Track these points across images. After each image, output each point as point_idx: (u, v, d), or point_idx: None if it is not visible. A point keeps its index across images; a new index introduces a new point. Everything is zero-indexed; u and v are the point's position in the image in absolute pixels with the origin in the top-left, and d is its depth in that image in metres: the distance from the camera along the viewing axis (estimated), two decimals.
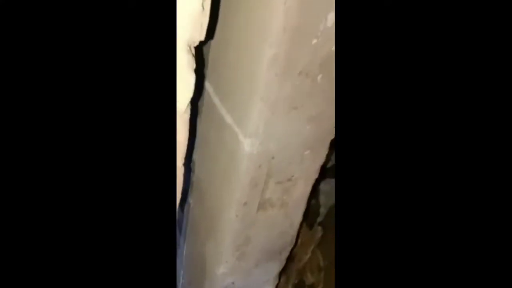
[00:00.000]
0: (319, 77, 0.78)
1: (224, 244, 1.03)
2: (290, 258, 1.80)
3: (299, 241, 1.80)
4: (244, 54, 0.80)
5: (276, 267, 1.19)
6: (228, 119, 0.93)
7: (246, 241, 1.05)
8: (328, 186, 1.66)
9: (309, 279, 1.81)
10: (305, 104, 0.83)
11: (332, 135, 0.95)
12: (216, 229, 1.07)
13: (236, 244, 1.04)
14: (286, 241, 1.13)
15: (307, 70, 0.77)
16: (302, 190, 1.04)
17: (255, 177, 0.91)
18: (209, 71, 1.05)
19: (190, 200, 1.32)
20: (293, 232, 1.13)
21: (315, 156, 0.97)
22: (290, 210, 1.06)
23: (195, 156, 1.24)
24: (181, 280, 1.57)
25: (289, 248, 1.16)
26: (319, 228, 1.73)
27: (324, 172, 1.50)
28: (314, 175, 1.03)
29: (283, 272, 1.75)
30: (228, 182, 0.96)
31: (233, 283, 1.13)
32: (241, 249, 1.06)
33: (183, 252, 1.50)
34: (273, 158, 0.91)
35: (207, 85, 1.08)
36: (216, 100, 1.00)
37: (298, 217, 1.10)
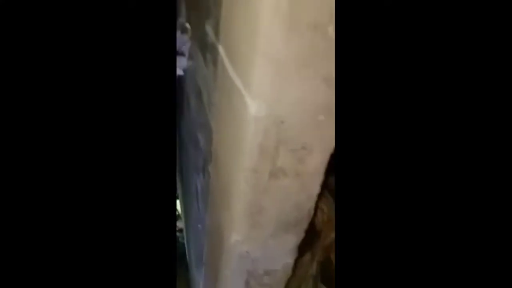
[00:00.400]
0: (330, 29, 0.70)
1: (237, 212, 1.02)
2: (315, 234, 1.75)
3: (325, 217, 1.74)
4: (247, 8, 0.74)
5: (293, 240, 1.16)
6: (237, 81, 0.88)
7: (259, 210, 1.02)
8: None
9: None
10: (317, 61, 0.75)
11: None
12: (229, 197, 1.06)
13: (248, 213, 1.02)
14: (303, 213, 1.08)
15: (316, 22, 0.69)
16: (318, 160, 0.97)
17: (263, 143, 0.87)
18: (221, 34, 1.01)
19: (209, 169, 1.32)
20: (310, 204, 1.07)
21: (332, 122, 0.89)
22: (306, 180, 1.00)
23: (213, 124, 1.23)
24: (205, 249, 1.62)
25: (306, 221, 1.11)
26: None
27: None
28: (332, 143, 0.95)
29: (307, 247, 1.72)
30: (238, 149, 0.93)
31: (247, 252, 1.12)
32: (254, 218, 1.03)
33: (206, 222, 1.53)
34: (282, 122, 0.85)
35: (220, 48, 1.04)
36: (227, 62, 0.96)
37: (315, 189, 1.04)
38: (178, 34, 1.85)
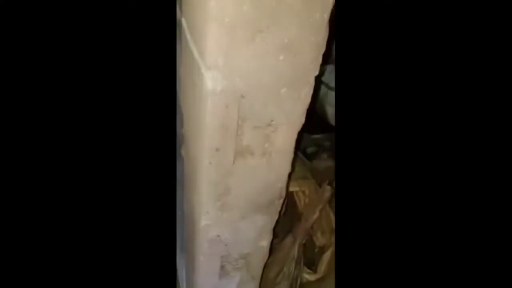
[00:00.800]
0: None
1: (203, 194, 0.97)
2: (296, 217, 1.72)
3: (306, 199, 1.70)
4: None
5: (266, 221, 1.12)
6: (195, 52, 0.82)
7: (226, 191, 0.98)
8: (329, 143, 1.52)
9: (320, 240, 1.73)
10: (272, 26, 0.69)
11: (314, 71, 0.81)
12: (196, 180, 1.01)
13: (215, 194, 0.97)
14: (274, 193, 1.04)
15: None
16: (286, 138, 0.93)
17: (224, 119, 0.82)
18: (183, 6, 0.94)
19: (182, 152, 1.28)
20: (281, 184, 1.03)
21: (296, 96, 0.84)
22: (274, 159, 0.96)
23: (182, 105, 1.17)
24: (184, 236, 1.58)
25: (278, 202, 1.07)
26: (328, 187, 1.61)
27: (319, 123, 1.34)
28: (299, 120, 0.91)
29: (288, 230, 1.69)
30: (200, 127, 0.88)
31: (218, 236, 1.08)
32: (221, 199, 0.99)
33: (183, 208, 1.49)
34: (243, 97, 0.80)
35: (183, 22, 0.97)
36: (187, 34, 0.90)
37: (284, 168, 1.00)
38: None
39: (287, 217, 1.65)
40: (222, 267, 1.24)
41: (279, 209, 1.12)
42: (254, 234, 1.14)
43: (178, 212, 1.81)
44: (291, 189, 1.59)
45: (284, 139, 0.93)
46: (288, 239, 1.63)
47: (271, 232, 1.20)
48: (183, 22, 0.97)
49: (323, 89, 2.04)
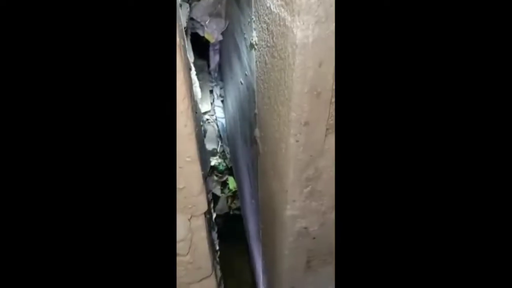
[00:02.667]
0: None
1: (288, 179, 0.82)
2: None
3: None
4: None
5: None
6: (276, 3, 0.66)
7: (316, 175, 0.81)
8: None
9: None
10: None
11: None
12: (277, 161, 0.86)
13: (302, 179, 0.81)
14: None
15: None
16: None
17: (315, 83, 0.65)
18: None
19: (256, 134, 1.14)
20: None
21: None
22: None
23: (254, 83, 1.03)
24: (260, 226, 1.47)
25: None
26: None
27: None
28: None
29: None
30: (283, 95, 0.72)
31: (306, 228, 0.93)
32: (310, 184, 0.83)
33: (258, 196, 1.37)
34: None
35: None
36: None
37: None
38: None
39: None
40: (308, 262, 1.09)
41: None
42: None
43: (251, 201, 1.71)
44: None
45: None
46: None
47: None
48: None
49: None
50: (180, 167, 0.54)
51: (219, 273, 1.11)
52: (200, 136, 0.97)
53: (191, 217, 0.62)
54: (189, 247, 0.66)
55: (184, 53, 0.56)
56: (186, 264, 0.70)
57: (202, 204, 0.63)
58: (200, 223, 0.65)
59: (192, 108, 0.54)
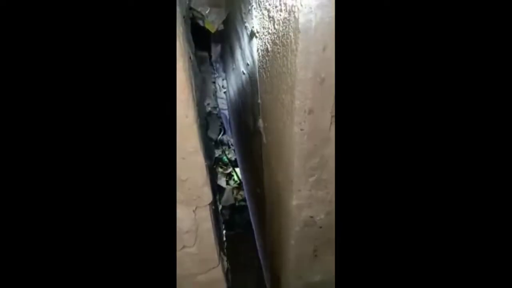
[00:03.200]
0: None
1: (293, 168, 0.81)
2: None
3: None
4: None
5: None
6: None
7: (321, 164, 0.80)
8: None
9: None
10: None
11: None
12: (282, 150, 0.85)
13: (308, 168, 0.80)
14: None
15: None
16: None
17: (319, 68, 0.63)
18: None
19: (259, 124, 1.13)
20: None
21: None
22: None
23: (257, 72, 1.01)
24: (266, 216, 1.47)
25: None
26: None
27: None
28: None
29: None
30: (286, 82, 0.71)
31: (312, 217, 0.92)
32: (316, 174, 0.82)
33: (263, 185, 1.37)
34: None
35: None
36: None
37: None
38: None
39: None
40: (315, 251, 1.08)
41: None
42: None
43: (257, 191, 1.71)
44: None
45: None
46: None
47: None
48: None
49: None
50: (182, 158, 0.53)
51: (226, 264, 1.11)
52: (203, 127, 0.96)
53: (196, 208, 0.62)
54: (195, 239, 0.66)
55: (183, 41, 0.54)
56: (192, 256, 0.70)
57: (206, 195, 0.62)
58: (205, 214, 0.65)
59: (193, 98, 0.52)
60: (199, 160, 0.55)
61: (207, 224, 0.67)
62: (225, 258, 1.12)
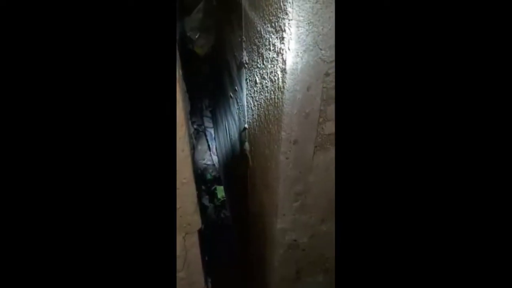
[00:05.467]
0: None
1: (279, 194, 0.85)
2: None
3: None
4: None
5: None
6: (267, 30, 0.70)
7: (305, 190, 0.84)
8: None
9: None
10: None
11: None
12: (268, 176, 0.89)
13: (292, 193, 0.84)
14: None
15: None
16: None
17: (304, 105, 0.68)
18: None
19: (245, 147, 1.17)
20: None
21: None
22: None
23: (245, 99, 1.06)
24: (251, 238, 1.49)
25: None
26: None
27: None
28: None
29: None
30: (273, 117, 0.76)
31: (295, 240, 0.95)
32: (300, 199, 0.86)
33: (248, 208, 1.39)
34: (327, 74, 0.65)
35: (243, 1, 0.86)
36: (252, 13, 0.78)
37: None
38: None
39: None
40: (297, 272, 1.11)
41: None
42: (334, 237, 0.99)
43: (241, 212, 1.73)
44: None
45: None
46: None
47: None
48: (244, 2, 0.85)
49: None
50: (177, 189, 0.56)
51: (210, 286, 1.12)
52: (193, 155, 0.99)
53: (185, 235, 0.64)
54: (184, 264, 0.68)
55: (182, 81, 0.58)
56: (180, 280, 0.72)
57: (196, 222, 0.65)
58: (194, 240, 0.67)
59: (189, 133, 0.56)
60: (191, 190, 0.58)
61: (196, 250, 0.70)
62: (209, 280, 1.13)
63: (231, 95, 1.36)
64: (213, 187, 2.80)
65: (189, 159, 0.54)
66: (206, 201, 2.76)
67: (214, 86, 2.08)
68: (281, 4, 0.58)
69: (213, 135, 2.67)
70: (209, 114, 2.66)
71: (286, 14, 0.57)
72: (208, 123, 2.69)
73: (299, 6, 0.56)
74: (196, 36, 1.71)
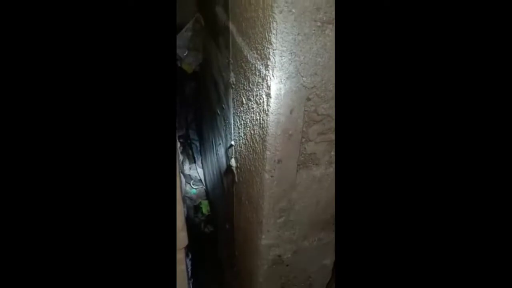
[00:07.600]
0: None
1: (263, 210, 0.88)
2: None
3: None
4: None
5: (331, 239, 1.00)
6: (251, 51, 0.74)
7: (289, 207, 0.88)
8: None
9: None
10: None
11: None
12: (253, 193, 0.92)
13: (276, 210, 0.88)
14: None
15: None
16: None
17: (287, 127, 0.72)
18: (230, 10, 0.88)
19: (232, 164, 1.20)
20: None
21: None
22: None
23: (231, 117, 1.10)
24: (235, 253, 1.50)
25: None
26: None
27: None
28: None
29: None
30: (259, 137, 0.79)
31: (279, 256, 0.98)
32: (283, 215, 0.89)
33: (233, 223, 1.41)
34: (309, 99, 0.70)
35: (231, 26, 0.90)
36: (239, 40, 0.83)
37: None
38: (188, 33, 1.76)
39: None
40: (282, 287, 1.13)
41: None
42: (317, 252, 1.03)
43: (226, 226, 1.74)
44: None
45: None
46: None
47: (335, 250, 1.07)
48: (231, 27, 0.90)
49: None
50: None
51: None
52: (180, 172, 1.00)
53: None
54: None
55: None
56: None
57: (183, 239, 0.67)
58: (180, 256, 0.69)
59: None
60: (179, 209, 0.61)
61: (182, 266, 0.71)
62: None
63: (218, 112, 1.40)
64: (198, 202, 2.79)
65: (178, 176, 0.57)
66: (191, 215, 2.74)
67: (201, 102, 2.11)
68: (266, 34, 0.63)
69: (199, 148, 2.68)
70: (194, 127, 2.68)
71: (271, 44, 0.62)
72: (193, 135, 2.71)
73: (282, 38, 0.60)
74: (185, 54, 1.75)
